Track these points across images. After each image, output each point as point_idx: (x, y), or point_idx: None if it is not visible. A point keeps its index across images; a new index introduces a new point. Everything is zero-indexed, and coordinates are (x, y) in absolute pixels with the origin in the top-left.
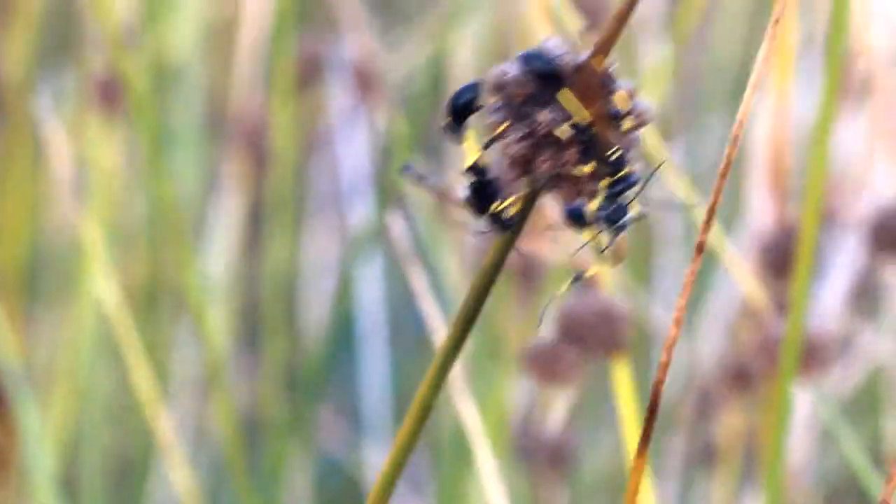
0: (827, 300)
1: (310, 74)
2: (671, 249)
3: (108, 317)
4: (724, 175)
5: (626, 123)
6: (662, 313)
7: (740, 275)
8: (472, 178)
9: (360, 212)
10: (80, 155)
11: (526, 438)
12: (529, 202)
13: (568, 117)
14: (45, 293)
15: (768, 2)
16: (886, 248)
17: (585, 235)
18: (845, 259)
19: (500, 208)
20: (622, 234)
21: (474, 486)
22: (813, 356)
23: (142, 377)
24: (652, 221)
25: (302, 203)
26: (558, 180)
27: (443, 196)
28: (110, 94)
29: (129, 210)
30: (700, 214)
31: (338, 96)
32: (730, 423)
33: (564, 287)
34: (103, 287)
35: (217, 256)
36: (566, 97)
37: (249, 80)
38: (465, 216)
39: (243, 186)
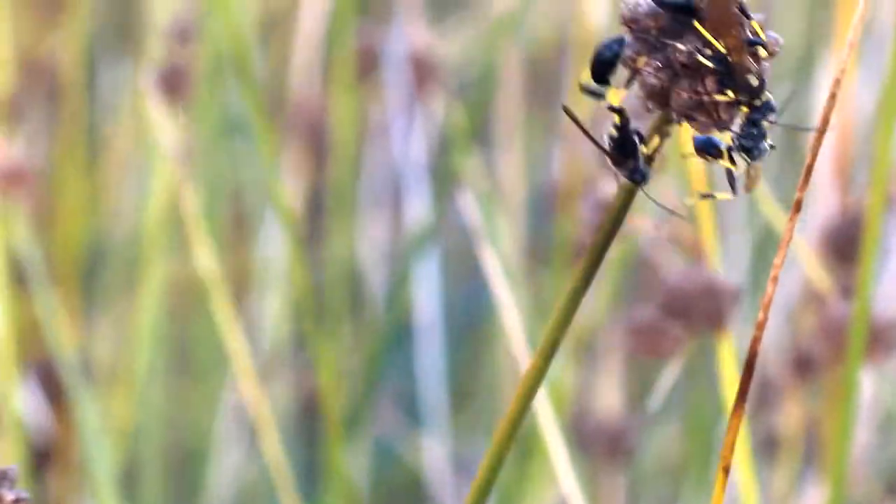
0: (890, 285)
1: (367, 65)
2: (735, 231)
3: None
4: (822, 132)
5: (761, 52)
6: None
7: (805, 258)
8: (614, 124)
9: (418, 202)
10: (139, 144)
11: (586, 424)
12: (662, 140)
13: (704, 46)
14: (105, 287)
15: None
16: None
17: (722, 163)
18: None
19: (636, 155)
20: (758, 162)
21: (540, 471)
22: (878, 340)
23: (201, 366)
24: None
25: (360, 193)
26: (696, 111)
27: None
28: (172, 84)
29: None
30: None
31: (395, 87)
32: (792, 411)
33: (693, 201)
34: (163, 278)
35: (277, 245)
36: (702, 27)
37: (308, 70)
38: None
39: (302, 176)
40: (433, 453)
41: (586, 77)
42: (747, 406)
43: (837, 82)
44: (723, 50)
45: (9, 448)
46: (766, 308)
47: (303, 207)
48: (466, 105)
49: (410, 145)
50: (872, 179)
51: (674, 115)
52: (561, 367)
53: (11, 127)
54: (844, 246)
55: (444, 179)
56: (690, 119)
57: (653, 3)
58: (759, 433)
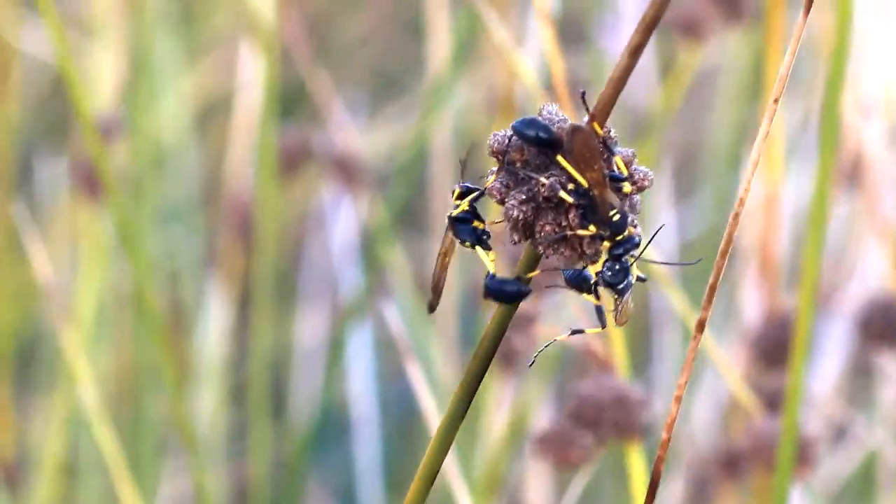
0: (820, 387)
1: (296, 160)
2: (665, 332)
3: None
4: (724, 254)
5: (626, 187)
6: (658, 396)
7: (727, 371)
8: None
9: (349, 292)
10: (73, 238)
11: None
12: (533, 264)
13: (567, 181)
14: (38, 378)
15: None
16: (877, 336)
17: (587, 298)
18: (837, 346)
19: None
20: (626, 297)
21: None
22: (806, 454)
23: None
24: (645, 304)
25: (292, 283)
26: (559, 244)
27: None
28: (89, 181)
29: (118, 291)
30: (696, 294)
31: (324, 181)
32: None
33: (564, 336)
34: (83, 389)
35: (209, 336)
36: (563, 162)
37: (239, 164)
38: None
39: (234, 267)
40: None
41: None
42: (684, 500)
43: (741, 202)
44: (585, 184)
45: None
46: (669, 428)
47: (235, 298)
48: (393, 195)
49: (341, 235)
50: (801, 284)
51: (539, 247)
52: (493, 458)
53: None
54: (772, 350)
55: (374, 268)
56: (555, 251)
57: (518, 138)
58: None
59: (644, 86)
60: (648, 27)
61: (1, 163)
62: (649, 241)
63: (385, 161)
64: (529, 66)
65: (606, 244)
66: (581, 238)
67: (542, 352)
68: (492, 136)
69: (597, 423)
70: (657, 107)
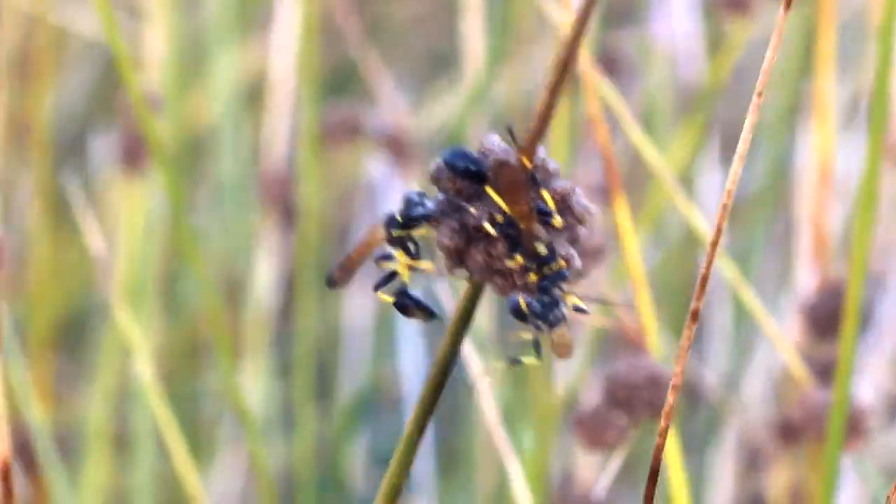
0: (873, 359)
1: (342, 136)
2: (715, 306)
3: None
4: (714, 244)
5: (556, 220)
6: (708, 372)
7: (779, 342)
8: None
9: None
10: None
11: (566, 497)
12: (475, 291)
13: (498, 212)
14: (88, 352)
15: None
16: None
17: (523, 330)
18: (891, 319)
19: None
20: (559, 329)
21: None
22: (858, 425)
23: (177, 443)
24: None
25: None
26: (492, 273)
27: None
28: (135, 156)
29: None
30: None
31: (373, 157)
32: (778, 478)
33: (502, 366)
34: (138, 361)
35: (258, 312)
36: (492, 194)
37: (282, 141)
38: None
39: (278, 245)
40: None
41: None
42: (736, 470)
43: (729, 193)
44: (511, 216)
45: None
46: (668, 416)
47: (282, 277)
48: None
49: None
50: (853, 254)
51: (473, 276)
52: (540, 439)
53: None
54: (825, 322)
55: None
56: (489, 280)
57: (447, 169)
58: (747, 499)
59: (692, 62)
60: (563, 66)
61: (53, 140)
62: (579, 275)
63: (433, 139)
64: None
65: (533, 277)
66: (511, 268)
67: (484, 381)
68: (432, 163)
69: (631, 403)
70: (705, 82)
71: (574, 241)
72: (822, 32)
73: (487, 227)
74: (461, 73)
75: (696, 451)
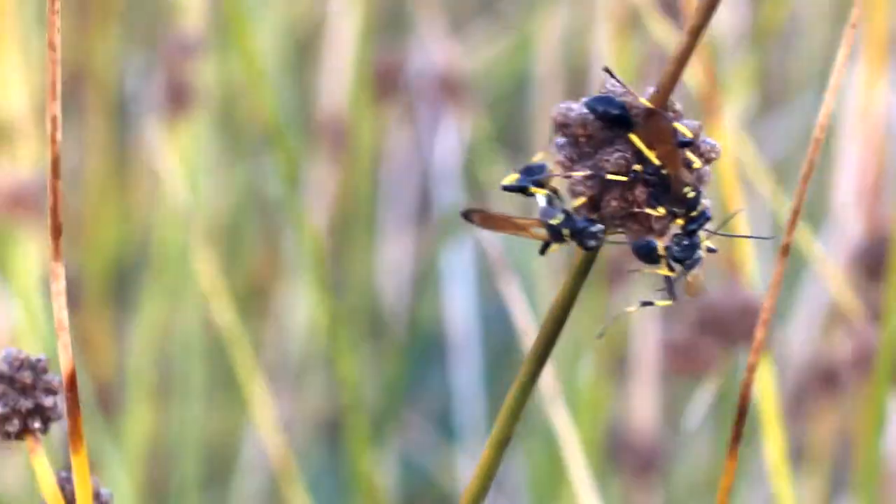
0: None
1: (393, 77)
2: (763, 252)
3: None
4: (806, 178)
5: (696, 163)
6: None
7: (830, 279)
8: (547, 216)
9: (448, 212)
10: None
11: (620, 443)
12: (603, 234)
13: (636, 157)
14: (138, 298)
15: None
16: None
17: (659, 270)
18: None
19: (579, 226)
20: (695, 270)
21: (568, 492)
22: None
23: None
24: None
25: (389, 203)
26: (628, 219)
27: (514, 226)
28: (179, 98)
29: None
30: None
31: (423, 99)
32: (823, 424)
33: (634, 309)
34: (206, 284)
35: (306, 258)
36: (635, 140)
37: (336, 86)
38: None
39: (329, 188)
40: (467, 469)
41: (510, 179)
42: (783, 416)
43: (822, 128)
44: (656, 162)
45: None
46: (757, 353)
47: (333, 218)
48: (493, 114)
49: (441, 155)
50: None
51: (607, 223)
52: (594, 383)
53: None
54: (873, 265)
55: (476, 189)
56: (624, 226)
57: (588, 115)
58: (791, 445)
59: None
60: (709, 8)
61: (102, 85)
62: (721, 226)
63: (486, 81)
64: None
65: (680, 221)
66: (651, 215)
67: (610, 325)
68: (555, 108)
69: (723, 331)
70: (748, 31)
71: (702, 180)
72: None
73: (633, 171)
74: (507, 16)
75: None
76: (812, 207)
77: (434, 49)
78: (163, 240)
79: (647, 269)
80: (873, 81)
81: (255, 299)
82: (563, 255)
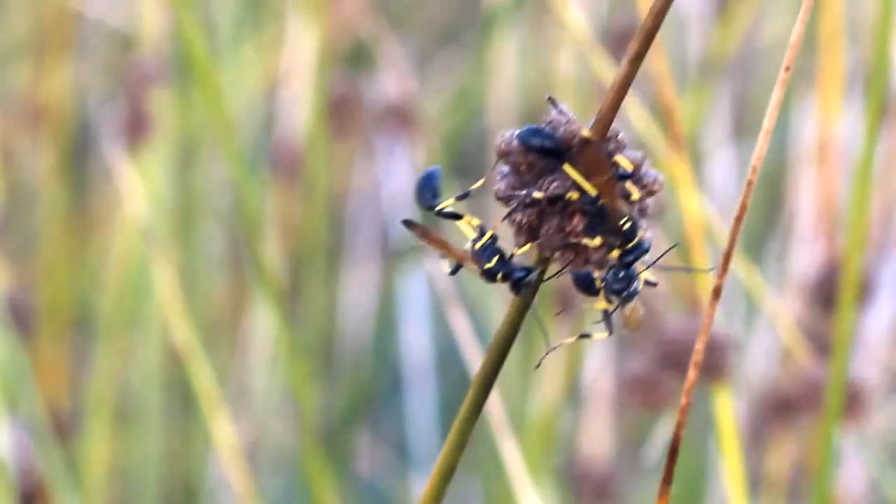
0: (874, 334)
1: (348, 108)
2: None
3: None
4: (739, 219)
5: (635, 194)
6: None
7: (780, 320)
8: (480, 247)
9: (403, 244)
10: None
11: (573, 470)
12: (541, 265)
13: (573, 187)
14: (96, 332)
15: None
16: None
17: (597, 303)
18: (892, 291)
19: (508, 270)
20: (632, 302)
21: None
22: (857, 401)
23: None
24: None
25: (344, 234)
26: (566, 249)
27: (449, 251)
28: (140, 126)
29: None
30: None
31: (377, 131)
32: (779, 454)
33: (571, 339)
34: (167, 312)
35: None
36: (570, 171)
37: (293, 115)
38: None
39: (287, 221)
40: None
41: (447, 204)
42: (742, 445)
43: (754, 170)
44: (592, 192)
45: None
46: (688, 393)
47: (292, 250)
48: (452, 146)
49: (395, 185)
50: (850, 226)
51: (544, 252)
52: (552, 411)
53: None
54: (828, 296)
55: (428, 220)
56: (560, 256)
57: (522, 147)
58: (748, 471)
59: (699, 31)
60: (648, 35)
61: (62, 120)
62: (655, 262)
63: (442, 112)
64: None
65: (615, 252)
66: (588, 244)
67: (549, 353)
68: (498, 137)
69: (682, 365)
70: (713, 50)
71: (643, 212)
72: (828, 3)
73: (569, 201)
74: (467, 46)
75: (699, 428)
76: (769, 236)
77: (390, 81)
78: (122, 266)
79: (586, 300)
80: (829, 114)
81: (218, 329)
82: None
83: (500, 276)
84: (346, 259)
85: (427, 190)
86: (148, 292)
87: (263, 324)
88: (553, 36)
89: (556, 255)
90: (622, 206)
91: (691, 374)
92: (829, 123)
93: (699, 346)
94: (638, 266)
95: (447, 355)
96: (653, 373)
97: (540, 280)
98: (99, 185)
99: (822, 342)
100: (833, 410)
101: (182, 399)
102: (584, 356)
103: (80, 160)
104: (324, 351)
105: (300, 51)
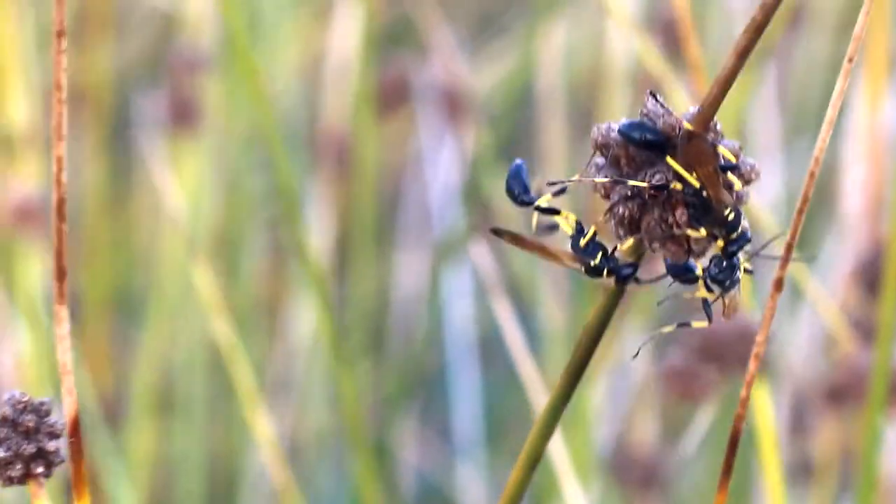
0: None
1: (397, 94)
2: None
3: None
4: (801, 211)
5: (737, 184)
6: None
7: (823, 307)
8: (579, 240)
9: (450, 230)
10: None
11: (619, 459)
12: (639, 257)
13: (675, 178)
14: (138, 318)
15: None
16: None
17: (697, 292)
18: None
19: (613, 266)
20: (734, 291)
21: None
22: None
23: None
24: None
25: (392, 221)
26: (668, 241)
27: (545, 252)
28: (184, 114)
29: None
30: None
31: (426, 116)
32: (826, 438)
33: (671, 328)
34: (207, 300)
35: (308, 275)
36: (672, 163)
37: (339, 102)
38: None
39: (333, 206)
40: (468, 480)
41: (544, 200)
42: (784, 431)
43: (817, 161)
44: (696, 184)
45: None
46: (749, 386)
47: (336, 236)
48: (497, 130)
49: (443, 172)
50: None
51: (646, 244)
52: (596, 398)
53: (39, 158)
54: (873, 281)
55: (476, 205)
56: (662, 248)
57: (625, 141)
58: (796, 459)
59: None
60: (758, 30)
61: (103, 103)
62: (761, 249)
63: (489, 98)
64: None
65: (720, 243)
66: (689, 236)
67: (648, 342)
68: (594, 129)
69: (721, 357)
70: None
71: (741, 201)
72: None
73: (677, 187)
74: (511, 31)
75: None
76: (819, 225)
77: (438, 64)
78: (164, 255)
79: (685, 291)
80: (876, 99)
81: (259, 315)
82: (566, 271)
83: (605, 272)
84: (394, 244)
85: (517, 184)
86: (190, 278)
87: (307, 309)
88: (600, 23)
89: (658, 247)
90: (726, 196)
91: (752, 365)
92: (875, 109)
93: (760, 339)
94: (739, 257)
95: (493, 342)
96: (691, 365)
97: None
98: (141, 170)
99: (866, 328)
100: (877, 397)
101: (225, 387)
102: (627, 347)
103: (121, 144)
104: (372, 336)
105: (345, 31)
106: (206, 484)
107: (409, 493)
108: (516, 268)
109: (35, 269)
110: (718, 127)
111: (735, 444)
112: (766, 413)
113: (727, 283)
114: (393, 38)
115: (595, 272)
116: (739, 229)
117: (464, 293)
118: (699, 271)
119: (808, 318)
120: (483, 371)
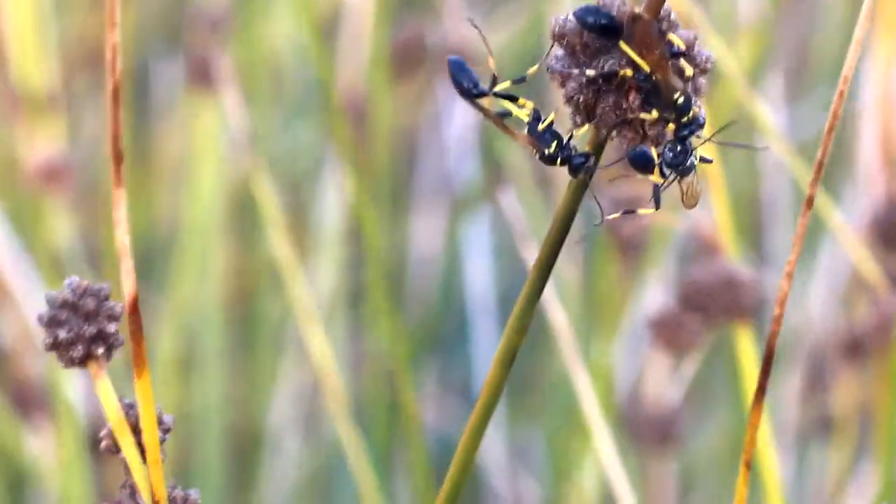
0: None
1: (411, 55)
2: (780, 216)
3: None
4: (830, 130)
5: (688, 70)
6: (773, 280)
7: (849, 244)
8: (536, 127)
9: (467, 188)
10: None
11: (635, 412)
12: (597, 147)
13: (628, 64)
14: (160, 276)
15: None
16: None
17: (652, 178)
18: None
19: (567, 155)
20: (691, 177)
21: (587, 460)
22: None
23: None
24: (761, 188)
25: (409, 181)
26: (623, 126)
27: (505, 129)
28: (204, 74)
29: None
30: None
31: (440, 76)
32: (845, 393)
33: (616, 215)
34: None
35: (327, 233)
36: (624, 48)
37: (354, 61)
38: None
39: (349, 166)
40: (488, 440)
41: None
42: (801, 386)
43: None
44: (646, 68)
45: (63, 435)
46: (782, 304)
47: (350, 197)
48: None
49: (459, 131)
50: None
51: (602, 130)
52: (611, 353)
53: (60, 119)
54: (890, 233)
55: (493, 164)
56: (618, 134)
57: (577, 25)
58: (813, 414)
59: None
60: None
61: (123, 64)
62: (719, 130)
63: (500, 58)
64: None
65: (671, 127)
66: (644, 120)
67: (601, 224)
68: (552, 20)
69: (706, 306)
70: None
71: (697, 91)
72: None
73: (626, 72)
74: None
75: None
76: (834, 176)
77: (452, 25)
78: (185, 211)
79: (640, 177)
80: (890, 47)
81: (280, 273)
82: (582, 224)
83: (559, 160)
84: (411, 204)
85: (466, 77)
86: (210, 238)
87: (325, 268)
88: None
89: (613, 134)
90: (676, 81)
91: (784, 284)
92: (890, 65)
93: (792, 257)
94: (694, 141)
95: (512, 300)
96: (676, 315)
97: (597, 163)
98: (160, 131)
99: (891, 275)
100: None
101: (244, 343)
102: (644, 296)
103: (141, 105)
104: (390, 294)
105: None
106: (226, 441)
107: (429, 453)
108: (535, 221)
109: (60, 228)
110: (673, 16)
111: (769, 362)
112: (750, 363)
113: (681, 167)
114: (406, 2)
115: (549, 160)
116: (690, 114)
117: (482, 251)
118: (655, 157)
119: (824, 273)
120: (502, 329)
